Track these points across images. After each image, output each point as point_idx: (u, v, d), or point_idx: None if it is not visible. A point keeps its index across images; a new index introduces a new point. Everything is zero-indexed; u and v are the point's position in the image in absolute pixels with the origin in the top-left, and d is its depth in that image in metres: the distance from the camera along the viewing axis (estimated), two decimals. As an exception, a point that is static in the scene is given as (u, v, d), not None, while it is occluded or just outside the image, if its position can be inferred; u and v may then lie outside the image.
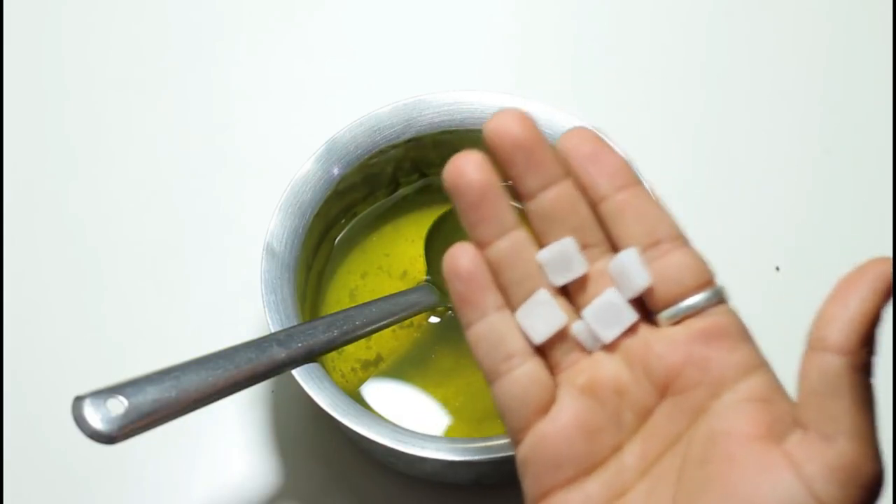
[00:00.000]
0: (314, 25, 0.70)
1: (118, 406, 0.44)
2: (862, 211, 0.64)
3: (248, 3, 0.70)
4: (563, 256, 0.41)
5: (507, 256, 0.42)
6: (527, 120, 0.41)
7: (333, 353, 0.55)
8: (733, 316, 0.41)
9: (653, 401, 0.40)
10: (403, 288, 0.56)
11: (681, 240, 0.42)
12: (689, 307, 0.40)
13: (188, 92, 0.67)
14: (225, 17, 0.70)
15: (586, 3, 0.71)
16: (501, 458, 0.49)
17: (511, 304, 0.42)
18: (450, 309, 0.56)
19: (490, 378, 0.42)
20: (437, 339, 0.56)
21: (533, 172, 0.42)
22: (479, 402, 0.55)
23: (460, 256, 0.41)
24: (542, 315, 0.41)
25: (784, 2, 0.70)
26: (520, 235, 0.42)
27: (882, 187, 0.64)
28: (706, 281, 0.41)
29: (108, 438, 0.44)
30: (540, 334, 0.41)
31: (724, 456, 0.38)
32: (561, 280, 0.41)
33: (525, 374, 0.41)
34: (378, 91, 0.64)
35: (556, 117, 0.56)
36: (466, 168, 0.41)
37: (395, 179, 0.59)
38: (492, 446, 0.49)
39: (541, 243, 0.42)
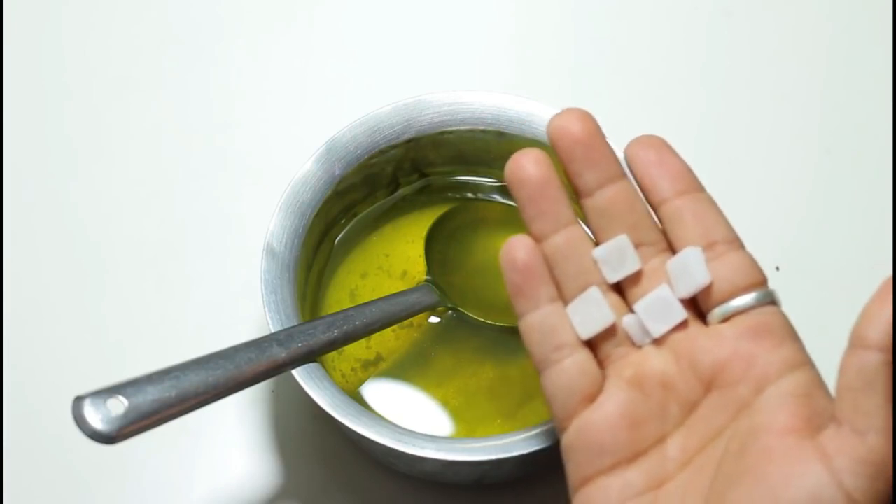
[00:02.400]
0: (314, 25, 0.70)
1: (118, 406, 0.44)
2: (862, 211, 0.64)
3: (248, 3, 0.70)
4: (618, 253, 0.43)
5: (562, 251, 0.43)
6: (588, 118, 0.43)
7: (333, 353, 0.55)
8: (781, 316, 0.42)
9: (698, 395, 0.41)
10: (403, 288, 0.56)
11: (736, 243, 0.43)
12: (738, 306, 0.42)
13: (188, 92, 0.67)
14: (225, 17, 0.70)
15: (586, 3, 0.71)
16: (501, 458, 0.49)
17: (564, 297, 0.43)
18: (450, 309, 0.56)
19: (540, 367, 0.43)
20: (437, 339, 0.56)
21: (592, 169, 0.43)
22: (478, 403, 0.55)
23: (518, 248, 0.43)
24: (592, 313, 0.42)
25: (784, 2, 0.70)
26: (576, 231, 0.43)
27: (882, 187, 0.64)
28: (758, 282, 0.42)
29: (108, 438, 0.44)
30: (587, 331, 0.42)
31: (759, 448, 0.39)
32: (614, 277, 0.43)
33: (574, 364, 0.42)
34: (378, 91, 0.64)
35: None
36: (527, 163, 0.43)
37: (395, 179, 0.59)
38: (492, 446, 0.49)
39: (597, 240, 0.44)
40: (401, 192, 0.60)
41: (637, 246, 0.43)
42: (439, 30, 0.70)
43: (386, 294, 0.54)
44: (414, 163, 0.59)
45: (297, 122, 0.66)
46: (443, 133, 0.58)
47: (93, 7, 0.70)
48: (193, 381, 0.46)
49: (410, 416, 0.54)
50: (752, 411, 0.40)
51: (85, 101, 0.67)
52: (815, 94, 0.68)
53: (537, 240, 0.43)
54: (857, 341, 0.38)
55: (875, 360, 0.37)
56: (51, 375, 0.58)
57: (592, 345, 0.43)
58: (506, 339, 0.55)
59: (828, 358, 0.60)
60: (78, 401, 0.44)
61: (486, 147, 0.58)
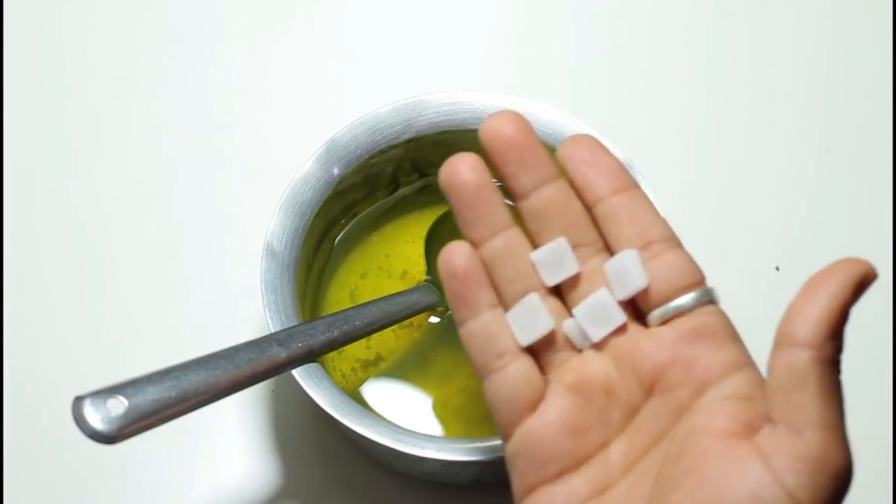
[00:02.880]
0: (314, 25, 0.70)
1: (118, 406, 0.44)
2: (862, 211, 0.64)
3: (248, 3, 0.70)
4: (556, 256, 0.42)
5: (500, 255, 0.43)
6: (521, 121, 0.43)
7: (333, 353, 0.55)
8: (721, 316, 0.41)
9: (639, 399, 0.41)
10: (403, 288, 0.56)
11: (673, 241, 0.42)
12: (677, 307, 0.41)
13: (188, 92, 0.67)
14: (225, 17, 0.70)
15: (586, 3, 0.71)
16: (501, 458, 0.49)
17: (504, 301, 0.43)
18: (450, 309, 0.56)
19: (481, 374, 0.42)
20: (437, 339, 0.56)
21: (526, 171, 0.43)
22: (478, 402, 0.55)
23: (456, 255, 0.42)
24: (531, 319, 0.42)
25: (784, 2, 0.70)
26: (513, 234, 0.43)
27: (882, 187, 0.64)
28: (696, 281, 0.41)
29: (108, 438, 0.44)
30: (527, 338, 0.42)
31: (697, 450, 0.39)
32: (553, 280, 0.42)
33: (515, 371, 0.42)
34: (378, 91, 0.64)
35: (555, 117, 0.56)
36: (461, 168, 0.42)
37: (395, 179, 0.59)
38: (492, 446, 0.49)
39: (534, 242, 0.43)
40: (401, 192, 0.60)
41: (574, 247, 0.43)
42: (439, 30, 0.70)
43: (386, 294, 0.54)
44: (414, 163, 0.59)
45: (297, 122, 0.66)
46: (443, 133, 0.58)
47: (93, 7, 0.70)
48: (193, 381, 0.46)
49: (410, 416, 0.54)
50: (692, 414, 0.40)
51: (85, 101, 0.67)
52: (815, 94, 0.68)
53: (475, 245, 0.43)
54: (783, 339, 0.38)
55: (805, 356, 0.37)
56: (51, 375, 0.58)
57: (533, 350, 0.42)
58: (506, 339, 0.55)
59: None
60: (78, 401, 0.44)
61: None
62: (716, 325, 0.41)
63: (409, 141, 0.58)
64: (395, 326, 0.55)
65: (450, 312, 0.56)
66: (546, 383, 0.42)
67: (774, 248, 0.63)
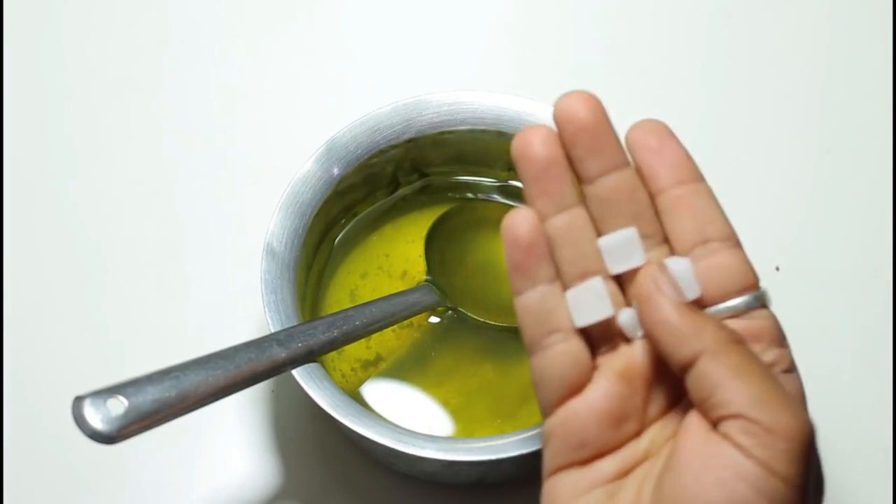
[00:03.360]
0: (314, 25, 0.70)
1: (118, 406, 0.44)
2: (862, 211, 0.64)
3: (248, 3, 0.70)
4: (625, 246, 0.42)
5: (562, 233, 0.42)
6: (596, 103, 0.42)
7: (333, 353, 0.55)
8: (771, 320, 0.41)
9: (679, 394, 0.41)
10: (403, 288, 0.56)
11: (732, 240, 0.42)
12: (729, 308, 0.41)
13: (188, 92, 0.67)
14: (225, 17, 0.70)
15: (586, 3, 0.71)
16: (501, 458, 0.49)
17: (562, 280, 0.42)
18: (450, 309, 0.56)
19: (531, 349, 0.42)
20: (437, 339, 0.56)
21: (595, 156, 0.42)
22: (478, 402, 0.55)
23: (520, 223, 0.42)
24: (591, 303, 0.42)
25: (784, 2, 0.70)
26: (579, 214, 0.42)
27: (882, 187, 0.64)
28: (750, 284, 0.41)
29: (107, 438, 0.44)
30: (583, 320, 0.42)
31: (682, 436, 0.39)
32: (618, 269, 0.42)
33: (566, 351, 0.42)
34: (378, 91, 0.64)
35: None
36: (533, 140, 0.42)
37: (395, 179, 0.59)
38: (492, 446, 0.49)
39: (597, 227, 0.43)
40: (401, 192, 0.60)
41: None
42: (439, 30, 0.70)
43: (386, 294, 0.54)
44: (414, 163, 0.59)
45: (297, 122, 0.66)
46: (443, 133, 0.58)
47: (93, 7, 0.70)
48: (193, 381, 0.46)
49: (410, 416, 0.54)
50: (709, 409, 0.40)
51: (85, 101, 0.67)
52: (815, 94, 0.68)
53: (539, 219, 0.42)
54: (680, 370, 0.39)
55: (702, 362, 0.38)
56: (51, 375, 0.58)
57: (585, 333, 0.42)
58: (506, 339, 0.55)
59: (827, 357, 0.60)
60: (78, 401, 0.44)
61: (485, 147, 0.58)
62: (763, 328, 0.41)
63: (409, 141, 0.58)
64: (395, 326, 0.55)
65: (450, 312, 0.56)
66: (594, 367, 0.42)
67: (774, 248, 0.63)
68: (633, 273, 0.42)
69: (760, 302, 0.41)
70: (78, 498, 0.56)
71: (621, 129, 0.52)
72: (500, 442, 0.49)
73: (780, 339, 0.41)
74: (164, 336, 0.60)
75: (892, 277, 0.61)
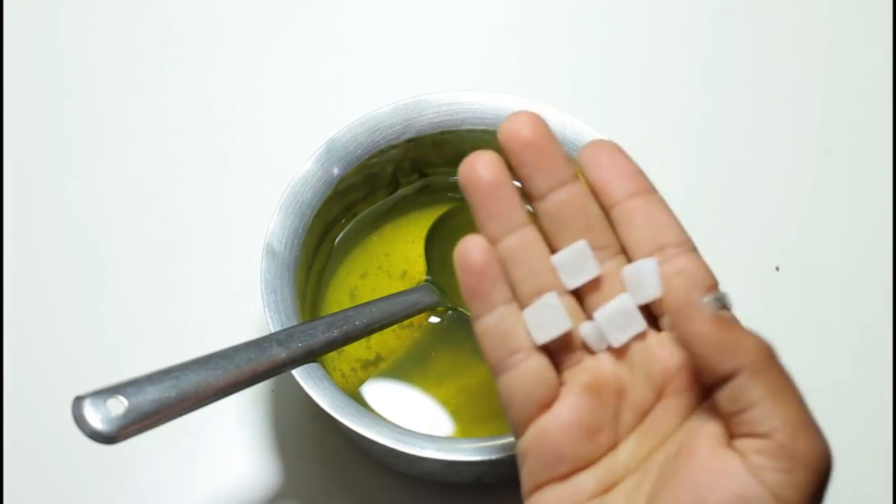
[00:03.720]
0: (314, 25, 0.70)
1: (118, 406, 0.44)
2: (862, 211, 0.64)
3: (248, 3, 0.70)
4: (578, 259, 0.42)
5: (516, 253, 0.43)
6: (539, 122, 0.43)
7: (333, 353, 0.55)
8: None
9: (650, 402, 0.41)
10: (403, 288, 0.56)
11: (687, 245, 0.43)
12: None
13: (188, 92, 0.67)
14: (225, 17, 0.70)
15: (586, 3, 0.71)
16: (501, 458, 0.49)
17: (519, 300, 0.43)
18: (450, 309, 0.56)
19: (495, 371, 0.42)
20: (437, 339, 0.56)
21: (543, 173, 0.43)
22: (478, 402, 0.55)
23: (472, 249, 0.42)
24: (549, 318, 0.42)
25: (784, 2, 0.70)
26: (529, 233, 0.43)
27: (882, 187, 0.64)
28: (709, 286, 0.41)
29: (107, 438, 0.44)
30: (543, 336, 0.42)
31: (688, 450, 0.39)
32: (574, 283, 0.42)
33: (530, 369, 0.42)
34: (378, 91, 0.64)
35: (555, 117, 0.56)
36: (479, 165, 0.43)
37: (395, 179, 0.59)
38: (492, 446, 0.49)
39: (550, 243, 0.43)
40: (401, 192, 0.60)
41: (592, 249, 0.43)
42: (439, 30, 0.70)
43: (386, 294, 0.54)
44: (414, 163, 0.59)
45: (297, 122, 0.66)
46: (443, 133, 0.58)
47: (93, 7, 0.70)
48: (193, 381, 0.46)
49: (410, 416, 0.54)
50: (695, 416, 0.40)
51: (85, 101, 0.67)
52: (815, 94, 0.68)
53: (491, 242, 0.43)
54: (713, 382, 0.39)
55: (740, 378, 0.38)
56: (51, 375, 0.58)
57: (548, 350, 0.42)
58: (506, 339, 0.55)
59: (827, 356, 0.60)
60: (78, 401, 0.44)
61: (485, 147, 0.58)
62: None
63: (409, 141, 0.58)
64: (395, 326, 0.55)
65: (450, 312, 0.56)
66: (560, 382, 0.42)
67: (774, 248, 0.63)
68: (591, 286, 0.43)
69: (722, 303, 0.41)
70: (78, 498, 0.56)
71: (622, 131, 0.52)
72: (500, 442, 0.49)
73: None
74: (164, 336, 0.60)
75: (892, 277, 0.61)
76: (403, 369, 0.56)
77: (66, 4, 0.70)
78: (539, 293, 0.42)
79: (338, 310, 0.53)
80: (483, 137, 0.58)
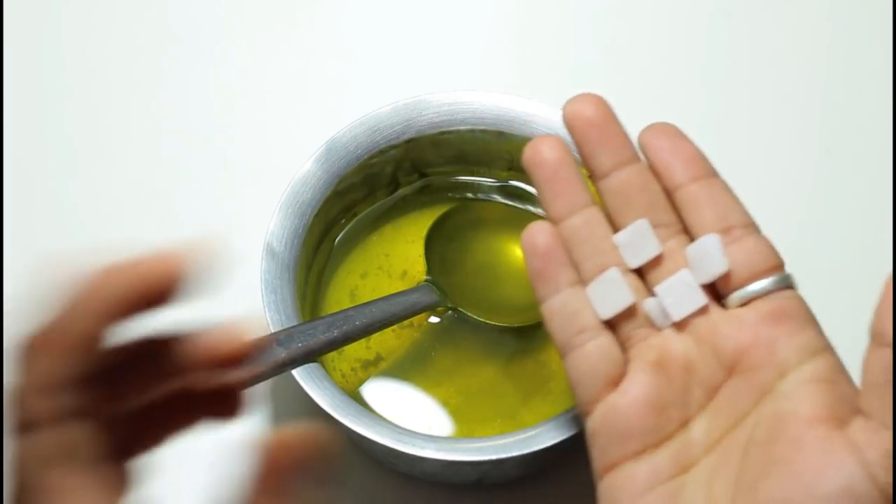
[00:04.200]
0: (314, 25, 0.70)
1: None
2: (862, 211, 0.64)
3: (248, 3, 0.70)
4: (639, 238, 0.43)
5: (579, 233, 0.44)
6: (602, 103, 0.45)
7: (333, 353, 0.55)
8: (800, 300, 0.42)
9: (720, 379, 0.41)
10: (403, 288, 0.56)
11: (753, 227, 0.44)
12: (757, 290, 0.42)
13: (188, 92, 0.67)
14: (225, 17, 0.70)
15: (586, 3, 0.71)
16: (502, 458, 0.49)
17: (584, 278, 0.44)
18: (450, 309, 0.56)
19: (563, 351, 0.43)
20: (437, 339, 0.56)
21: (606, 152, 0.44)
22: (478, 402, 0.55)
23: (538, 233, 0.43)
24: (611, 293, 0.43)
25: (784, 2, 0.70)
26: (593, 212, 0.44)
27: (882, 187, 0.64)
28: (775, 266, 0.42)
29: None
30: (607, 311, 0.43)
31: (789, 438, 0.39)
32: (636, 261, 0.43)
33: (596, 347, 0.43)
34: (378, 91, 0.64)
35: (555, 117, 0.56)
36: (543, 147, 0.44)
37: (395, 179, 0.59)
38: (492, 446, 0.49)
39: (613, 221, 0.44)
40: (401, 192, 0.60)
41: (654, 227, 0.44)
42: (439, 30, 0.70)
43: (386, 294, 0.54)
44: (414, 163, 0.59)
45: (297, 122, 0.66)
46: (443, 133, 0.58)
47: (93, 7, 0.70)
48: (193, 381, 0.46)
49: (410, 416, 0.54)
50: (776, 397, 0.40)
51: (85, 101, 0.67)
52: (815, 94, 0.68)
53: (555, 222, 0.44)
54: (878, 338, 0.38)
55: None
56: (51, 375, 0.58)
57: (613, 327, 0.43)
58: (506, 339, 0.56)
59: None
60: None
61: (486, 147, 0.58)
62: (794, 308, 0.42)
63: (409, 141, 0.58)
64: (395, 326, 0.55)
65: (450, 312, 0.56)
66: (627, 360, 0.42)
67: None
68: (653, 264, 0.43)
69: (787, 283, 0.42)
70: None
71: (629, 131, 0.52)
72: (500, 442, 0.49)
73: (811, 319, 0.42)
74: (163, 336, 0.59)
75: (892, 277, 0.61)
76: (403, 369, 0.56)
77: (66, 4, 0.70)
78: (603, 270, 0.43)
79: (338, 310, 0.53)
80: (483, 137, 0.58)
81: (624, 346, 0.43)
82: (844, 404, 0.39)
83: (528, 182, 0.58)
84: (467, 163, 0.59)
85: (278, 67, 0.68)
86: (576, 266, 0.44)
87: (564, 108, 0.45)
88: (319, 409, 0.49)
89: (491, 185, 0.60)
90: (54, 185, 0.64)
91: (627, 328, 0.43)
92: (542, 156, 0.44)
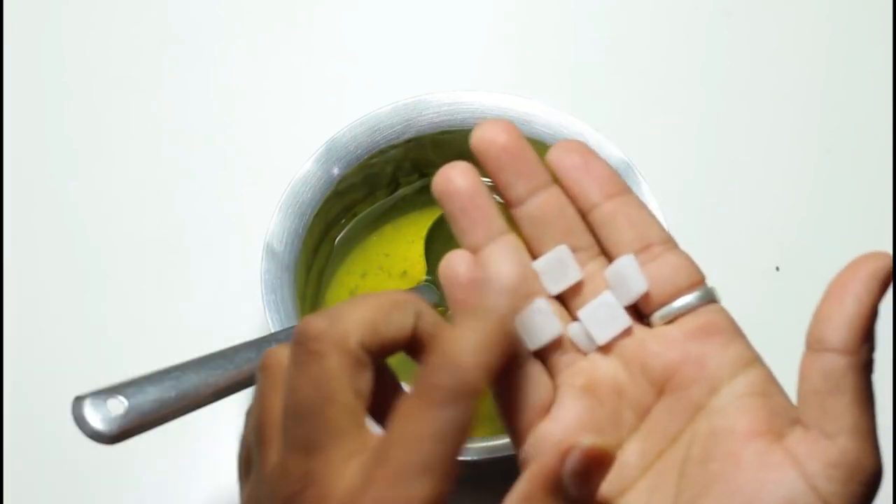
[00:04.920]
0: (314, 25, 0.70)
1: (118, 406, 0.44)
2: (862, 211, 0.64)
3: (249, 3, 0.70)
4: (558, 265, 0.42)
5: None
6: (512, 129, 0.43)
7: (333, 353, 0.55)
8: (724, 313, 0.41)
9: (651, 399, 0.41)
10: (403, 288, 0.56)
11: (671, 243, 0.43)
12: (682, 307, 0.41)
13: (188, 92, 0.67)
14: (225, 17, 0.70)
15: (586, 3, 0.71)
16: (501, 457, 0.49)
17: None
18: (449, 309, 0.56)
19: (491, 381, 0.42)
20: (437, 339, 0.56)
21: (520, 178, 0.43)
22: (478, 402, 0.55)
23: (457, 263, 0.42)
24: (539, 324, 0.42)
25: (784, 2, 0.70)
26: (510, 239, 0.43)
27: (882, 187, 0.64)
28: (697, 281, 0.42)
29: (108, 438, 0.44)
30: (536, 342, 0.42)
31: (726, 454, 0.38)
32: (557, 288, 0.42)
33: (525, 377, 0.41)
34: (378, 91, 0.64)
35: (555, 117, 0.56)
36: (454, 175, 0.42)
37: (395, 179, 0.59)
38: (492, 446, 0.49)
39: (531, 248, 0.43)
40: (401, 192, 0.60)
41: (573, 252, 0.43)
42: (439, 30, 0.70)
43: (386, 294, 0.54)
44: (414, 163, 0.59)
45: (297, 122, 0.66)
46: (443, 133, 0.58)
47: (93, 7, 0.70)
48: (194, 380, 0.46)
49: (410, 416, 0.54)
50: (710, 413, 0.40)
51: (85, 100, 0.67)
52: (815, 94, 0.68)
53: (473, 251, 0.42)
54: (816, 344, 0.38)
55: (840, 363, 0.37)
56: (51, 375, 0.58)
57: (540, 355, 0.42)
58: (506, 339, 0.55)
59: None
60: (78, 401, 0.44)
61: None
62: (721, 322, 0.41)
63: (409, 141, 0.58)
64: (394, 326, 0.55)
65: (450, 312, 0.56)
66: (555, 387, 0.42)
67: (774, 248, 0.63)
68: (574, 290, 0.42)
69: (711, 297, 0.41)
70: (78, 498, 0.56)
71: (622, 131, 0.52)
72: (500, 442, 0.49)
73: (737, 331, 0.41)
74: (164, 336, 0.60)
75: (892, 277, 0.61)
76: (403, 369, 0.56)
77: (66, 4, 0.70)
78: (525, 299, 0.42)
79: (338, 310, 0.53)
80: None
81: (551, 373, 0.42)
82: (780, 416, 0.39)
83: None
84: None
85: (278, 67, 0.68)
86: None
87: (473, 136, 0.43)
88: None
89: (491, 186, 0.60)
90: (54, 185, 0.64)
91: (553, 355, 0.42)
92: (455, 184, 0.42)
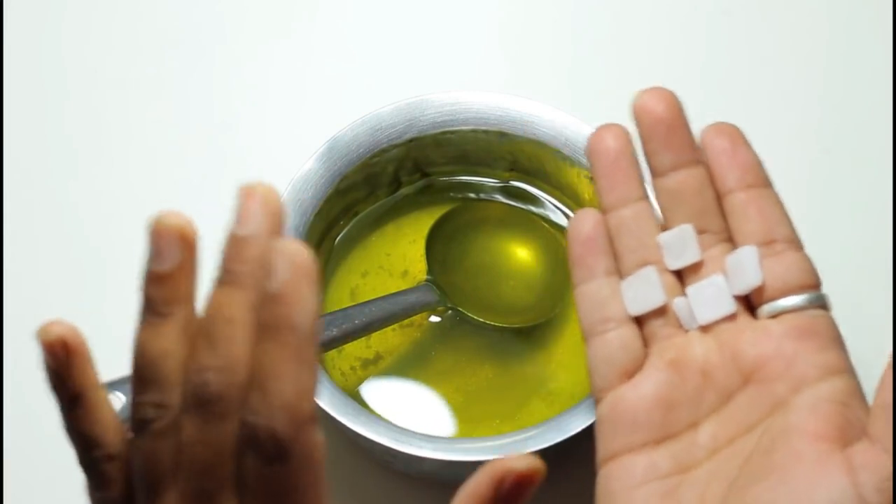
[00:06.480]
0: (316, 25, 0.70)
1: (117, 403, 0.44)
2: (862, 211, 0.64)
3: (249, 3, 0.70)
4: (681, 242, 0.44)
5: (627, 224, 0.44)
6: (672, 100, 0.45)
7: (333, 352, 0.55)
8: (829, 320, 0.42)
9: (736, 386, 0.42)
10: (404, 287, 0.56)
11: (796, 243, 0.44)
12: (788, 305, 0.42)
13: (189, 91, 0.67)
14: (225, 17, 0.70)
15: (585, 2, 0.71)
16: (501, 458, 0.49)
17: (622, 269, 0.44)
18: (450, 309, 0.56)
19: (586, 335, 0.44)
20: (437, 339, 0.56)
21: (668, 151, 0.44)
22: (478, 402, 0.55)
23: (585, 221, 0.44)
24: (644, 291, 0.43)
25: (783, 2, 0.70)
26: (643, 207, 0.44)
27: (882, 187, 0.64)
28: (811, 284, 0.42)
29: (108, 437, 0.44)
30: (637, 308, 0.43)
31: (790, 449, 0.39)
32: (675, 264, 0.44)
33: (618, 338, 0.43)
34: (380, 90, 0.64)
35: (556, 117, 0.57)
36: (608, 134, 0.45)
37: (396, 179, 0.59)
38: (492, 446, 0.49)
39: (665, 219, 0.45)
40: (402, 191, 0.60)
41: (701, 232, 0.44)
42: (441, 29, 0.70)
43: (386, 293, 0.54)
44: (416, 162, 0.59)
45: (298, 121, 0.66)
46: (445, 133, 0.58)
47: (93, 7, 0.70)
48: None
49: (409, 416, 0.54)
50: (787, 410, 0.40)
51: (85, 100, 0.67)
52: (814, 93, 0.68)
53: (605, 210, 0.44)
54: None
55: None
56: (51, 375, 0.58)
57: (640, 321, 0.44)
58: (506, 339, 0.56)
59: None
60: (79, 399, 0.44)
61: (487, 147, 0.58)
62: (822, 327, 0.42)
63: (410, 140, 0.58)
64: (395, 325, 0.55)
65: (450, 312, 0.56)
66: (646, 355, 0.43)
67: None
68: (692, 269, 0.44)
69: (820, 302, 0.42)
70: (78, 498, 0.56)
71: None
72: (499, 442, 0.49)
73: (837, 340, 0.42)
74: (164, 336, 0.59)
75: (892, 277, 0.61)
76: (403, 368, 0.56)
77: (66, 4, 0.70)
78: (642, 265, 0.43)
79: (338, 309, 0.53)
80: (485, 138, 0.58)
81: (647, 342, 0.44)
82: (853, 427, 0.39)
83: (530, 183, 0.59)
84: (469, 163, 0.59)
85: (279, 67, 0.68)
86: (617, 256, 0.44)
87: (635, 100, 0.45)
88: (318, 408, 0.49)
89: (492, 186, 0.60)
90: (54, 185, 0.64)
91: (654, 325, 0.44)
92: (605, 144, 0.44)
